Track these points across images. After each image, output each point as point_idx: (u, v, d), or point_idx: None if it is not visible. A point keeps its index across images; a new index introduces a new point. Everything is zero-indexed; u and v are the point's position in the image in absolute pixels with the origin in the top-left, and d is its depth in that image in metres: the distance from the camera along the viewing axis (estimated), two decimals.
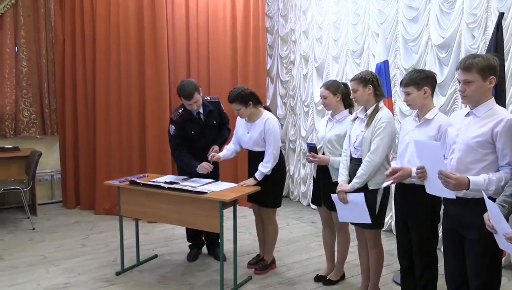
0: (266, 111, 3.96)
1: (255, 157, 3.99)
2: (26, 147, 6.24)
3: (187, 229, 4.53)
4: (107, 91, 6.02)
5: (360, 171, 3.21)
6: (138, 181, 3.97)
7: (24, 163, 5.81)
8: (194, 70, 6.31)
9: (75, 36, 6.13)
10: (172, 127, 4.17)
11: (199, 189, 3.67)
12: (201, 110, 4.18)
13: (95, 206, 6.16)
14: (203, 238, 4.61)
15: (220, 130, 4.36)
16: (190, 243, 4.58)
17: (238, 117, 4.06)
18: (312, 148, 3.67)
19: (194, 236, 4.53)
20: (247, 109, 3.82)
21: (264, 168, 3.87)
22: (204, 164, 4.01)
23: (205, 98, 4.32)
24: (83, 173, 6.28)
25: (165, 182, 3.87)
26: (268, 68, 7.01)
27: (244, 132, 4.01)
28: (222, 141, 4.28)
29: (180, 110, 4.18)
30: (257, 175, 3.88)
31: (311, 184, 3.94)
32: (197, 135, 4.17)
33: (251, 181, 3.90)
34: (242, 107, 3.81)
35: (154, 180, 4.02)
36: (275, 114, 7.01)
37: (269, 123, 3.87)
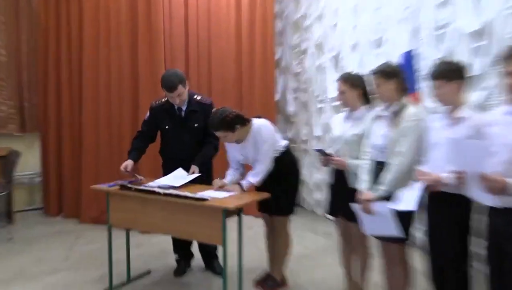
0: (254, 122, 3.86)
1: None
2: (3, 146, 6.16)
3: (173, 239, 4.49)
4: (96, 84, 5.99)
5: (386, 176, 3.13)
6: (129, 185, 3.90)
7: (0, 164, 5.74)
8: (193, 62, 6.26)
9: (60, 21, 6.09)
10: (147, 114, 4.27)
11: (199, 195, 3.58)
12: (183, 107, 4.17)
13: (81, 214, 6.10)
14: (191, 249, 4.57)
15: (204, 144, 4.23)
16: (176, 255, 4.53)
17: (226, 144, 3.98)
18: (323, 153, 3.61)
19: (181, 246, 4.48)
20: (234, 134, 3.75)
21: (254, 177, 3.80)
22: (125, 167, 4.03)
23: (195, 96, 4.27)
24: (67, 176, 6.22)
25: (160, 187, 3.81)
26: (277, 58, 6.91)
27: (238, 154, 3.96)
28: (203, 160, 4.16)
29: (164, 100, 4.23)
30: (245, 184, 3.80)
31: (327, 191, 3.84)
32: (171, 132, 4.18)
33: (235, 188, 3.79)
34: (228, 133, 3.73)
35: (148, 184, 3.96)
36: (284, 111, 6.96)
37: (260, 133, 3.79)
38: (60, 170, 6.30)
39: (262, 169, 3.81)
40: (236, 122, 3.71)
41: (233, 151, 3.95)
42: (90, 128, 6.02)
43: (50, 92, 6.21)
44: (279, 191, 3.89)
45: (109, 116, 6.00)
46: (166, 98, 4.20)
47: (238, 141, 3.84)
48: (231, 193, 3.73)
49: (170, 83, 4.01)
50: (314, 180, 6.57)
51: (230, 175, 3.97)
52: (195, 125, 4.16)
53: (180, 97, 4.08)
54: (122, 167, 4.06)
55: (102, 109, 5.98)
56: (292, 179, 4.00)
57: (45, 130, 6.32)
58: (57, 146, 6.27)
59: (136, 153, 4.22)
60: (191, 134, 4.17)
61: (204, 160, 4.18)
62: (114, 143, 5.99)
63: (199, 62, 6.31)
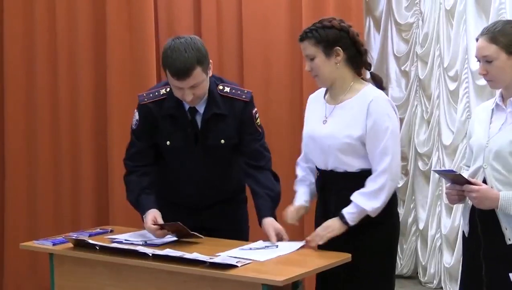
0: (370, 87, 2.85)
1: (340, 183, 2.78)
2: None
3: None
4: (30, 81, 4.74)
5: None
6: (90, 240, 2.93)
7: None
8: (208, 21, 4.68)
9: None
10: (135, 117, 3.11)
11: (220, 259, 2.60)
12: (200, 108, 3.01)
13: None
14: None
15: (248, 175, 3.09)
16: None
17: (311, 96, 2.95)
18: (451, 177, 2.74)
19: None
20: (326, 63, 2.72)
21: (371, 198, 2.67)
22: (153, 220, 2.88)
23: (221, 85, 3.09)
24: None
25: (146, 243, 2.89)
26: None
27: (318, 122, 2.83)
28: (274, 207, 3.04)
29: (163, 91, 3.07)
30: (349, 213, 2.66)
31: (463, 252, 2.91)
32: (175, 153, 3.09)
33: (330, 228, 2.69)
34: (319, 52, 2.71)
35: (123, 238, 3.01)
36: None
37: (381, 110, 2.72)
38: None
39: (387, 182, 2.67)
40: (341, 43, 2.71)
41: (313, 112, 2.90)
42: (18, 145, 4.75)
43: None
44: (364, 255, 2.77)
45: (54, 128, 4.70)
46: (165, 89, 3.05)
47: (333, 93, 2.82)
48: (284, 251, 2.65)
49: (180, 63, 2.79)
50: (441, 230, 4.83)
51: (303, 191, 2.90)
52: (222, 142, 2.94)
53: (196, 91, 2.86)
54: (149, 224, 2.90)
55: (41, 119, 4.70)
56: (387, 234, 2.88)
57: None
58: None
59: (148, 196, 2.99)
60: (214, 158, 2.98)
61: (275, 205, 3.00)
62: (64, 170, 4.61)
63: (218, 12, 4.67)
